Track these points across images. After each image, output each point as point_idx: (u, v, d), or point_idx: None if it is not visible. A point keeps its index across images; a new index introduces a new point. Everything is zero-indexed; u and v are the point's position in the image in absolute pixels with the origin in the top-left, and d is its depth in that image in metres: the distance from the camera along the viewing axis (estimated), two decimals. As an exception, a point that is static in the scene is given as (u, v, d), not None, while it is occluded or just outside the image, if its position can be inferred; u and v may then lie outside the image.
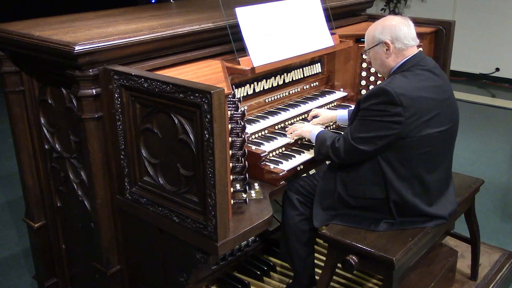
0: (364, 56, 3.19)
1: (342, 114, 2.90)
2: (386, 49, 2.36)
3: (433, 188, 2.35)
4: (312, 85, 3.22)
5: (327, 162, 2.81)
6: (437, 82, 2.33)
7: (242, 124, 2.09)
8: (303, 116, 2.93)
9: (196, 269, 2.14)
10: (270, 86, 2.94)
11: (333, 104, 3.16)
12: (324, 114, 2.88)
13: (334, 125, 2.97)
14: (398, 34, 2.33)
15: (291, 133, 2.70)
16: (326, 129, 2.91)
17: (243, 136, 2.11)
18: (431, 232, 2.37)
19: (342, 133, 2.45)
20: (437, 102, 2.28)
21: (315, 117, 2.89)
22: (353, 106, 3.14)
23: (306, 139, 2.74)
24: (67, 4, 6.14)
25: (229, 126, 2.04)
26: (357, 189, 2.37)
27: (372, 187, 2.33)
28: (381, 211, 2.35)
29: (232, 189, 2.13)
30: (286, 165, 2.50)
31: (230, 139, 2.05)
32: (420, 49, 3.09)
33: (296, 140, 2.72)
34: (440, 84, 2.34)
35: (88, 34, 2.21)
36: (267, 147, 2.56)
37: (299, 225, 2.54)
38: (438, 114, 2.28)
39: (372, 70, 3.25)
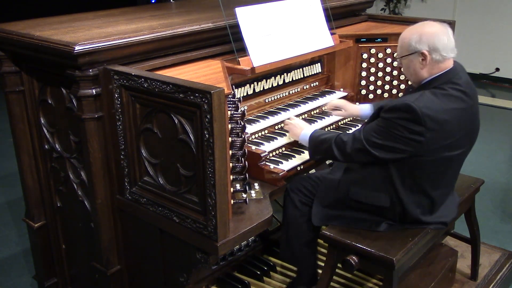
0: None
1: (366, 108, 2.79)
2: (422, 59, 2.20)
3: (437, 201, 2.33)
4: (312, 85, 3.22)
5: (327, 162, 2.82)
6: (467, 103, 2.21)
7: (242, 124, 2.09)
8: (303, 116, 2.92)
9: (196, 269, 2.14)
10: (270, 86, 2.94)
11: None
12: (350, 109, 2.75)
13: (336, 124, 2.96)
14: (437, 45, 2.17)
15: (287, 124, 2.65)
16: (326, 129, 2.91)
17: (243, 136, 2.11)
18: (431, 232, 2.37)
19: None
20: (461, 126, 2.19)
21: (336, 109, 2.82)
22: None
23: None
24: (67, 4, 6.14)
25: (229, 126, 2.04)
26: (360, 193, 2.33)
27: (377, 193, 2.29)
28: (382, 216, 2.34)
29: (232, 189, 2.13)
30: (286, 165, 2.50)
31: (230, 139, 2.05)
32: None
33: (296, 140, 2.72)
34: (470, 105, 2.23)
35: (88, 34, 2.21)
36: (267, 147, 2.56)
37: (301, 225, 2.51)
38: (460, 138, 2.21)
39: (372, 70, 3.25)
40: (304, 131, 2.52)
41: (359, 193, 2.33)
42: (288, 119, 2.70)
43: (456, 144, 2.22)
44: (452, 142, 2.19)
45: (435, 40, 2.18)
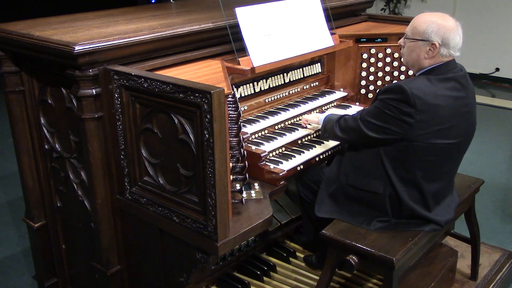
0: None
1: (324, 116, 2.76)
2: (430, 50, 2.24)
3: (429, 197, 2.33)
4: (312, 85, 3.22)
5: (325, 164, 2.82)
6: (461, 93, 2.26)
7: (239, 124, 2.11)
8: (302, 116, 2.92)
9: (196, 269, 2.14)
10: (270, 86, 2.94)
11: (333, 104, 3.16)
12: (311, 119, 2.76)
13: None
14: (450, 41, 2.23)
15: (305, 125, 2.77)
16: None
17: (240, 136, 2.11)
18: (430, 232, 2.37)
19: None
20: (453, 114, 2.23)
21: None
22: (353, 106, 3.15)
23: (307, 139, 2.76)
24: (67, 4, 6.14)
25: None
26: (357, 180, 2.39)
27: (372, 180, 2.34)
28: (377, 208, 2.35)
29: (232, 189, 2.13)
30: (286, 165, 2.50)
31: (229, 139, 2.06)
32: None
33: (296, 140, 2.72)
34: (463, 95, 2.27)
35: (88, 34, 2.21)
36: (267, 147, 2.56)
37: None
38: (452, 126, 2.24)
39: (372, 70, 3.25)
40: (322, 116, 2.62)
41: (356, 179, 2.39)
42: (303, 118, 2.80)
43: (449, 132, 2.24)
44: (444, 129, 2.22)
45: (450, 36, 2.24)
